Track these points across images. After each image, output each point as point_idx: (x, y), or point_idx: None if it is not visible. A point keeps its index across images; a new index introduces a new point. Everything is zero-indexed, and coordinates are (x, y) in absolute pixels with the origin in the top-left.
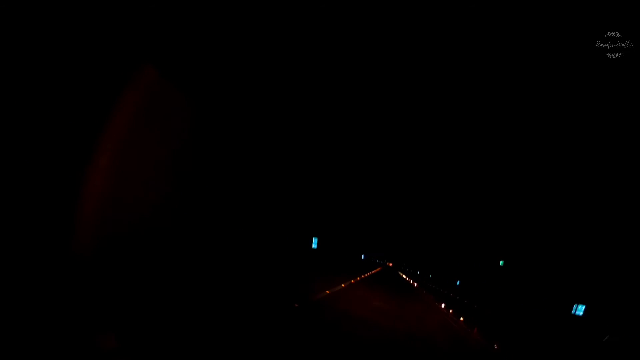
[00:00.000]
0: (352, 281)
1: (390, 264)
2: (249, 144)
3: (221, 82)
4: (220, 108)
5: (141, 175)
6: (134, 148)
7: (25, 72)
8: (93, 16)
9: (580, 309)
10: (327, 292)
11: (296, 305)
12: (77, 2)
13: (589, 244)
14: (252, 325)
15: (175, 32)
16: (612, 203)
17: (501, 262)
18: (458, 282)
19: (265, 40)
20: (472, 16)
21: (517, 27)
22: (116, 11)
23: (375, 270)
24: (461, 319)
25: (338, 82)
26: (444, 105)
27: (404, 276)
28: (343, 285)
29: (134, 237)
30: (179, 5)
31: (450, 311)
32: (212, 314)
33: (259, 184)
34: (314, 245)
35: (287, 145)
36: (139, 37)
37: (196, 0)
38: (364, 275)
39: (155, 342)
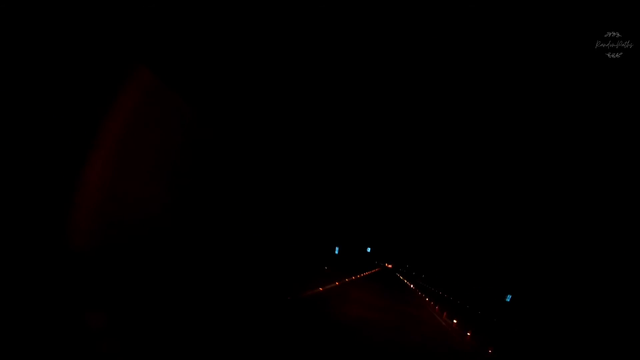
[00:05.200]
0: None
1: (390, 266)
2: (255, 146)
3: (223, 84)
4: (224, 110)
5: (140, 172)
6: (132, 146)
7: (32, 73)
8: (93, 20)
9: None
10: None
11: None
12: (76, 5)
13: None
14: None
15: (173, 35)
16: (611, 202)
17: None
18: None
19: (264, 41)
20: (472, 16)
21: (518, 27)
22: (115, 14)
23: (375, 270)
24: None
25: (339, 82)
26: (445, 109)
27: (399, 276)
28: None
29: (133, 234)
30: (176, 8)
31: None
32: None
33: (258, 185)
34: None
35: (291, 149)
36: (141, 40)
37: (192, 3)
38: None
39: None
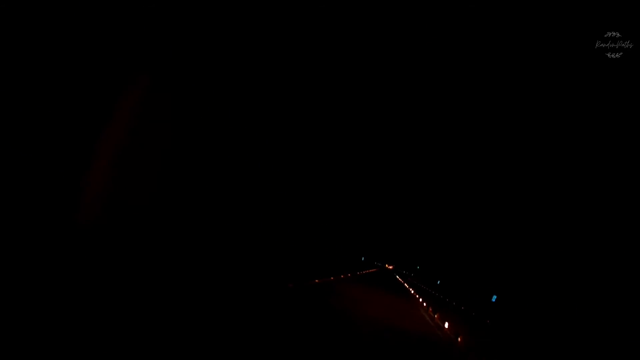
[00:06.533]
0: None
1: (391, 267)
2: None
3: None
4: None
5: (141, 163)
6: (135, 136)
7: (47, 73)
8: (91, 20)
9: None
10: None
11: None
12: (75, 8)
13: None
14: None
15: (170, 34)
16: (611, 202)
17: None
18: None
19: (265, 38)
20: (473, 16)
21: (518, 27)
22: (111, 16)
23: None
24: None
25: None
26: (449, 113)
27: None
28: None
29: (135, 216)
30: (173, 8)
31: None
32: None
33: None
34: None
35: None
36: (139, 40)
37: (188, 3)
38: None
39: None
